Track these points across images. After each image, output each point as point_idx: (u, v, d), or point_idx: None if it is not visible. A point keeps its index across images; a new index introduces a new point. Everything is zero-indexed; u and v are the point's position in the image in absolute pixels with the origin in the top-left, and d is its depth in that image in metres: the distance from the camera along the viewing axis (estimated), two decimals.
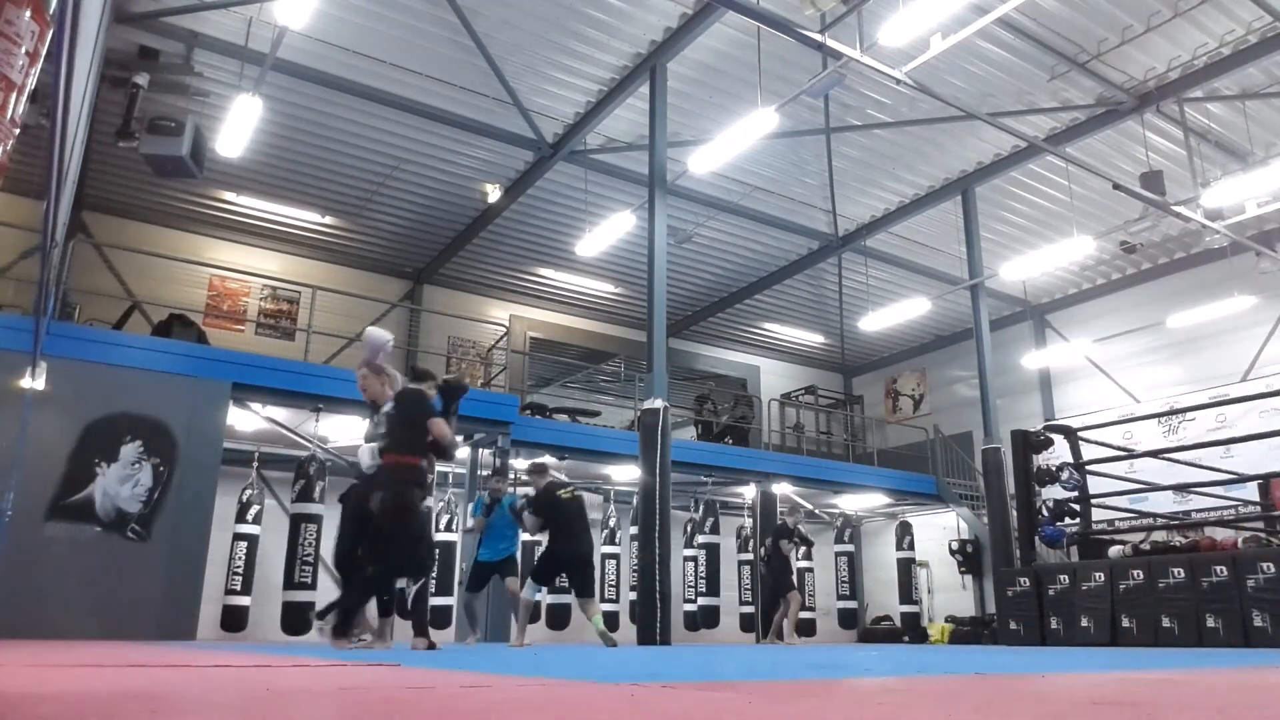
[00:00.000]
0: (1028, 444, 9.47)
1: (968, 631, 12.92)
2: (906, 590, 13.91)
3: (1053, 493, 9.42)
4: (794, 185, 12.02)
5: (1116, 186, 9.34)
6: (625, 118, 10.29)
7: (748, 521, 12.82)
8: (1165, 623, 7.35)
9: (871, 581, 15.33)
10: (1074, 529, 9.30)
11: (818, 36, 6.88)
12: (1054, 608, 8.28)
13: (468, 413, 9.48)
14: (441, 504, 9.90)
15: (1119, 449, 9.86)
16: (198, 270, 11.72)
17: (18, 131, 2.12)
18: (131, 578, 7.03)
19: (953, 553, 14.11)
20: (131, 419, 7.36)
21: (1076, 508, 9.35)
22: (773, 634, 10.17)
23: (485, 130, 10.50)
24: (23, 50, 2.05)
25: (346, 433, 9.70)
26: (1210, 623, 6.98)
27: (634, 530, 9.03)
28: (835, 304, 14.92)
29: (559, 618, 10.67)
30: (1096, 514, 9.86)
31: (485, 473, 9.68)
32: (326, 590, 9.78)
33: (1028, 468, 9.36)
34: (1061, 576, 8.37)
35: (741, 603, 12.67)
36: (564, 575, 7.52)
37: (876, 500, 14.40)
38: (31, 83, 2.18)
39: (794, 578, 10.32)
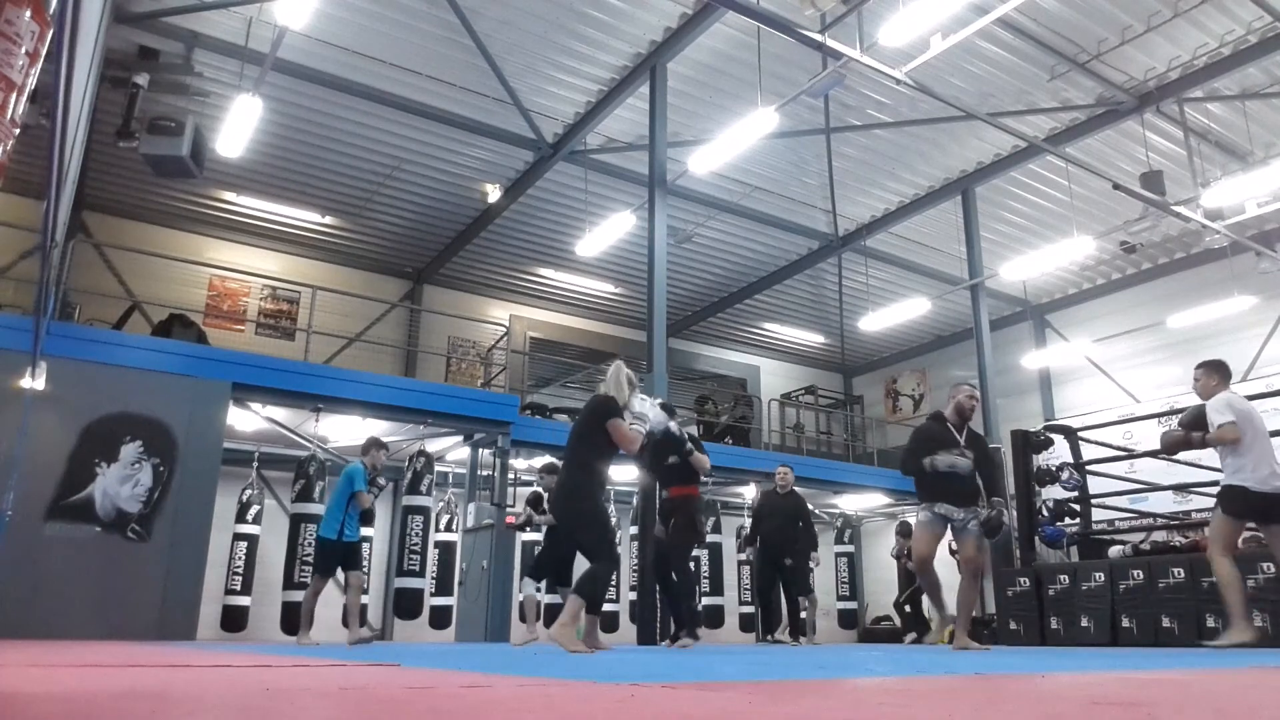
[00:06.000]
0: (1028, 444, 9.47)
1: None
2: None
3: (1053, 493, 9.41)
4: (794, 185, 12.02)
5: (1116, 186, 9.34)
6: (625, 118, 10.29)
7: (748, 521, 12.82)
8: (1165, 623, 7.35)
9: (871, 581, 15.32)
10: (1074, 529, 9.30)
11: (818, 36, 6.87)
12: (1054, 608, 8.28)
13: (467, 412, 9.53)
14: (441, 504, 9.90)
15: (1119, 449, 9.85)
16: (198, 270, 11.72)
17: (18, 131, 2.12)
18: (131, 578, 7.03)
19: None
20: (131, 419, 7.35)
21: (1076, 508, 9.35)
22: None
23: (485, 130, 10.51)
24: (23, 50, 2.05)
25: (346, 433, 9.71)
26: (1210, 623, 6.96)
27: (634, 530, 9.03)
28: (835, 304, 14.92)
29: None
30: (1096, 514, 9.84)
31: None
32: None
33: (1028, 468, 9.35)
34: (1061, 576, 8.36)
35: (741, 603, 12.67)
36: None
37: (876, 500, 14.39)
38: (31, 83, 2.18)
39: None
